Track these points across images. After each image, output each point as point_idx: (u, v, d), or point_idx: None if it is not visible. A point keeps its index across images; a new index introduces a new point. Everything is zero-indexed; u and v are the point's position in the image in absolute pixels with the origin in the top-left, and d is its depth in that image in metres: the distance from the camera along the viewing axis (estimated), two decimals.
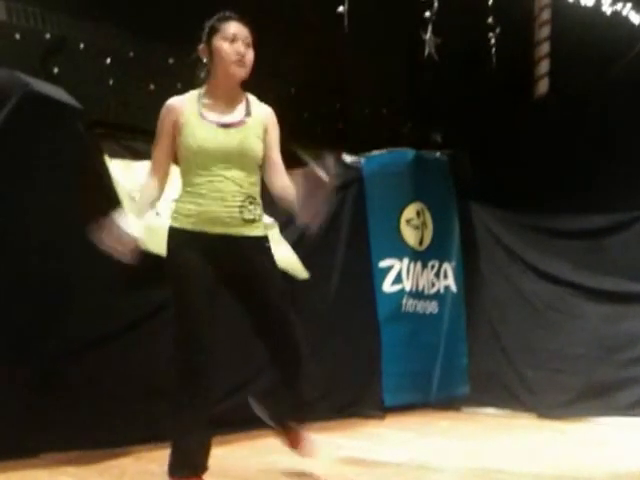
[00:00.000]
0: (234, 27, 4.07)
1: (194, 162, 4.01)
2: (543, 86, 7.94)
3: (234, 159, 4.02)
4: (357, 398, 6.30)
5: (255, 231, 4.10)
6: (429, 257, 6.96)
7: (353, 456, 4.70)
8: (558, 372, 6.55)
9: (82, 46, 5.71)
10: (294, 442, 4.31)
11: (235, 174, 4.03)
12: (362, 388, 6.36)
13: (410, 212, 6.84)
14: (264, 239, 4.16)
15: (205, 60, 4.12)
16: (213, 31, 4.08)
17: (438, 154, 7.19)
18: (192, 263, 3.99)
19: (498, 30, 7.42)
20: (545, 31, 7.96)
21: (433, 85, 7.63)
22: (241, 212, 4.03)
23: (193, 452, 3.97)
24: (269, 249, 4.18)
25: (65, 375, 4.70)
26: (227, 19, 4.09)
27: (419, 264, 6.86)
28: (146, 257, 4.87)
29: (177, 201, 4.11)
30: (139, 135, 5.75)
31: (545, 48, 7.96)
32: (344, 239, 6.46)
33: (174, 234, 4.07)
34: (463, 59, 7.50)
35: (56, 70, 5.50)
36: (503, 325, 6.92)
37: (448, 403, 6.84)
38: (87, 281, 4.80)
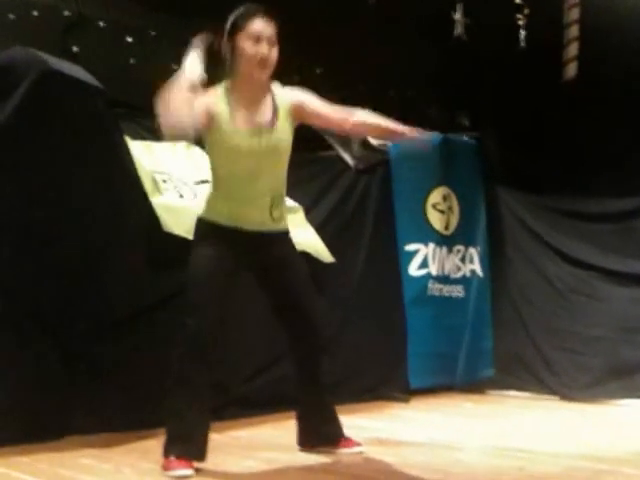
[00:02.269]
0: (259, 25, 4.01)
1: (225, 164, 4.05)
2: (572, 69, 7.80)
3: (265, 161, 4.07)
4: (382, 380, 6.27)
5: (281, 225, 4.21)
6: (455, 242, 6.90)
7: (378, 437, 4.70)
8: (581, 354, 6.51)
9: (102, 24, 5.66)
10: (347, 443, 4.43)
11: (266, 176, 4.09)
12: (388, 371, 6.34)
13: (436, 196, 6.79)
14: (287, 232, 4.28)
15: (227, 56, 4.07)
16: (237, 28, 4.03)
17: (465, 137, 7.11)
18: (215, 252, 4.02)
19: (527, 12, 7.32)
20: (575, 13, 7.82)
21: (461, 67, 7.55)
22: (270, 212, 4.12)
23: (190, 433, 4.01)
24: (291, 240, 4.30)
25: (88, 358, 4.70)
26: (252, 16, 4.02)
27: (445, 248, 6.81)
28: (171, 236, 4.89)
29: (210, 195, 4.13)
30: None
31: (574, 31, 7.81)
32: (370, 222, 6.44)
33: (204, 226, 4.11)
34: (491, 41, 7.39)
35: (75, 48, 5.46)
36: (528, 309, 6.86)
37: (473, 385, 6.80)
38: (113, 261, 4.80)
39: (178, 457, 3.93)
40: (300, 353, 4.34)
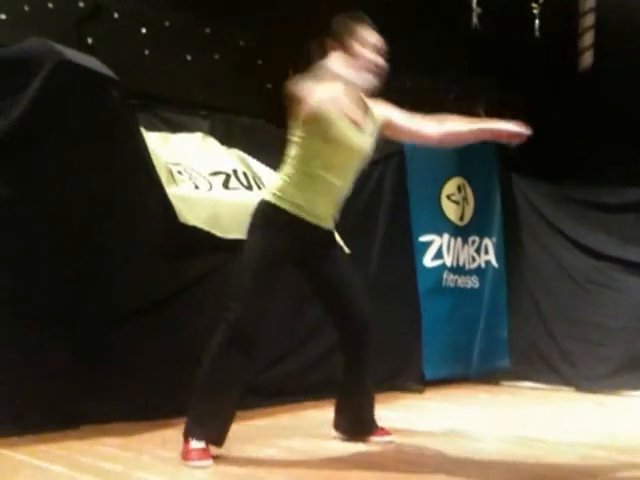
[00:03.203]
0: (375, 36, 4.14)
1: (322, 154, 4.06)
2: (587, 58, 7.80)
3: (354, 160, 4.15)
4: (398, 371, 6.27)
5: (332, 224, 4.29)
6: (470, 232, 6.90)
7: (394, 427, 4.68)
8: (599, 345, 6.50)
9: (117, 15, 5.65)
10: (380, 432, 4.54)
11: (348, 175, 4.18)
12: (403, 361, 6.34)
13: (451, 187, 6.78)
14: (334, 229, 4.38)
15: (340, 59, 4.09)
16: (352, 34, 4.11)
17: None
18: (273, 244, 4.04)
19: (542, 0, 7.32)
20: (590, 2, 7.82)
21: (476, 56, 7.53)
22: (334, 210, 4.22)
23: (215, 416, 4.01)
24: (336, 235, 4.43)
25: (105, 347, 4.71)
26: (369, 27, 4.14)
27: (459, 239, 6.80)
28: (187, 227, 4.89)
29: (288, 185, 4.10)
30: (176, 106, 5.71)
31: (590, 19, 7.81)
32: (385, 213, 6.43)
33: (266, 212, 4.11)
34: (507, 30, 7.38)
35: (90, 40, 5.45)
36: (544, 299, 6.86)
37: (488, 376, 6.81)
38: (129, 251, 4.81)
39: (198, 446, 3.93)
40: (350, 341, 4.37)
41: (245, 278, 4.04)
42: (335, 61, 4.09)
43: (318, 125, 3.99)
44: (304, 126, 4.03)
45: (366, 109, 4.18)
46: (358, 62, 4.10)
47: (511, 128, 4.16)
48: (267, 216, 4.10)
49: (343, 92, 3.97)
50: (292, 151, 4.12)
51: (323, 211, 4.14)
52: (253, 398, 5.21)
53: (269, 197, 4.11)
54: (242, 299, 4.00)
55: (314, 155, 4.06)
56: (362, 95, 4.16)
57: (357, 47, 4.09)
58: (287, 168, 4.13)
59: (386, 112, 4.26)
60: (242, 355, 4.00)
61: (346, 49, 4.10)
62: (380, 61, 4.12)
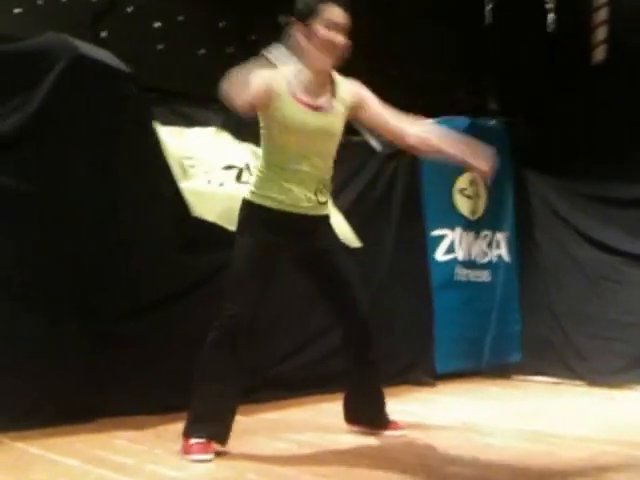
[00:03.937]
0: (337, 14, 4.00)
1: (278, 140, 4.05)
2: (600, 53, 7.77)
3: (317, 142, 4.09)
4: (410, 365, 6.28)
5: (325, 211, 4.25)
6: (482, 227, 6.90)
7: (406, 420, 4.69)
8: (610, 340, 6.49)
9: (130, 9, 5.65)
10: (393, 426, 4.57)
11: (315, 158, 4.11)
12: (414, 355, 6.34)
13: (463, 181, 6.76)
14: (328, 216, 4.32)
15: (299, 38, 4.02)
16: (314, 13, 3.99)
17: (494, 122, 7.08)
18: (261, 242, 4.05)
19: None
20: None
21: (490, 51, 7.51)
22: (316, 195, 4.15)
23: (214, 415, 4.01)
24: (331, 225, 4.36)
25: (121, 340, 4.73)
26: (331, 3, 4.01)
27: (472, 234, 6.80)
28: (200, 221, 4.90)
29: (260, 179, 4.11)
30: (189, 101, 5.72)
31: (603, 14, 7.77)
32: (397, 208, 6.43)
33: (251, 210, 4.10)
34: (520, 24, 7.36)
35: (104, 34, 5.46)
36: (556, 293, 6.86)
37: (499, 370, 6.81)
38: (145, 245, 4.83)
39: (199, 441, 3.94)
40: (350, 335, 4.37)
41: (236, 278, 4.05)
42: (293, 42, 4.03)
43: (270, 111, 3.99)
44: (260, 115, 4.05)
45: (329, 89, 4.11)
46: (317, 42, 3.99)
47: (480, 165, 4.13)
48: (248, 214, 4.11)
49: (293, 75, 3.99)
50: (261, 144, 4.14)
51: (299, 198, 4.09)
52: (262, 391, 5.24)
53: (247, 195, 4.13)
54: (234, 298, 4.01)
55: (276, 145, 4.07)
56: (324, 75, 4.08)
57: (317, 26, 3.98)
58: (259, 162, 4.17)
59: (360, 92, 4.19)
60: (235, 351, 4.00)
61: (306, 28, 4.00)
62: (340, 40, 3.99)
